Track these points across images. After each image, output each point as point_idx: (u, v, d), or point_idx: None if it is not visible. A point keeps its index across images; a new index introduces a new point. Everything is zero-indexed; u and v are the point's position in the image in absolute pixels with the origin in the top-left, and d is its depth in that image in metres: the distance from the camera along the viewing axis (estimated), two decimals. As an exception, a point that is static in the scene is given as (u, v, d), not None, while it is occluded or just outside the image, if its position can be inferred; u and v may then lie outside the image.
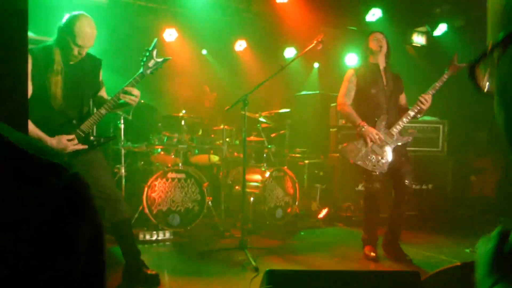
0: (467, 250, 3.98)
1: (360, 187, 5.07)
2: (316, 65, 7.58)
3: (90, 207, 0.51)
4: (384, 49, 3.82)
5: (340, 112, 4.01)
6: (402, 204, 3.76)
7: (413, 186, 3.79)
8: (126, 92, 2.80)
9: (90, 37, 2.74)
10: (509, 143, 0.53)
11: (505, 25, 0.51)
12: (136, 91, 2.83)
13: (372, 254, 3.80)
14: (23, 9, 0.99)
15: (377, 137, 3.63)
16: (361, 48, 4.01)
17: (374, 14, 6.41)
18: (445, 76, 3.69)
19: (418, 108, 3.65)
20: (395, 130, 3.70)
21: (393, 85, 3.81)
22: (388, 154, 3.69)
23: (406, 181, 3.70)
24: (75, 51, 2.73)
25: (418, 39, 6.72)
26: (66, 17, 2.76)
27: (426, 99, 3.63)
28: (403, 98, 3.95)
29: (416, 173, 5.43)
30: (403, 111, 3.81)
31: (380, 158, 3.67)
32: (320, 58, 7.14)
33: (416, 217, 5.38)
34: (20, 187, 0.45)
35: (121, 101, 2.84)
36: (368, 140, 3.64)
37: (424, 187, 5.56)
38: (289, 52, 7.24)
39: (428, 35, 6.73)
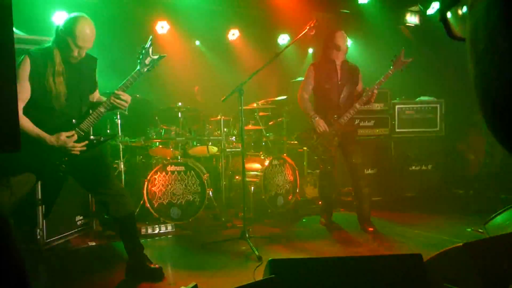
0: (469, 230, 4.00)
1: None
2: (310, 50, 7.53)
3: None
4: (345, 48, 4.21)
5: (298, 104, 4.36)
6: (358, 180, 4.21)
7: (359, 161, 4.20)
8: (117, 96, 2.80)
9: (90, 39, 2.75)
10: (478, 95, 0.49)
11: None
12: (126, 96, 2.83)
13: (323, 220, 4.53)
14: (6, 3, 0.97)
15: (322, 129, 4.11)
16: (323, 41, 4.30)
17: (367, -4, 6.35)
18: (390, 72, 4.03)
19: (364, 101, 4.07)
20: (343, 120, 4.13)
21: (347, 79, 4.21)
22: (335, 141, 4.18)
23: (353, 159, 4.16)
24: (75, 52, 2.73)
25: (412, 19, 6.63)
26: (65, 18, 2.75)
27: (372, 94, 4.04)
28: (359, 87, 4.33)
29: (416, 154, 5.49)
30: (357, 98, 4.18)
31: (328, 145, 4.17)
32: (314, 43, 7.08)
33: (416, 198, 5.40)
34: None
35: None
36: (317, 130, 4.13)
37: (424, 167, 5.57)
38: (283, 39, 7.18)
39: (421, 14, 6.64)
